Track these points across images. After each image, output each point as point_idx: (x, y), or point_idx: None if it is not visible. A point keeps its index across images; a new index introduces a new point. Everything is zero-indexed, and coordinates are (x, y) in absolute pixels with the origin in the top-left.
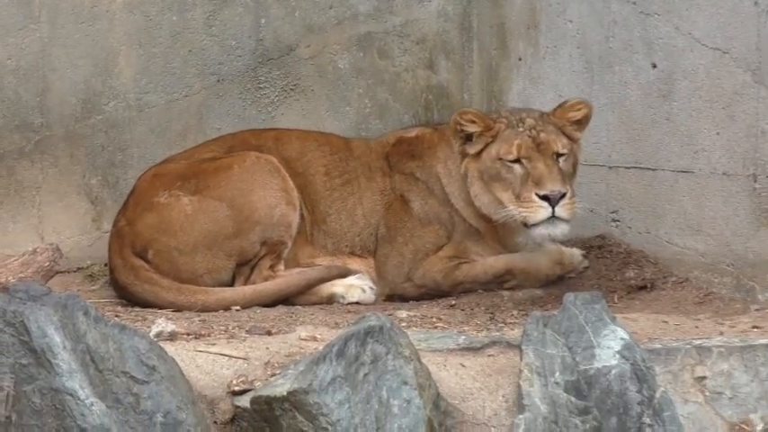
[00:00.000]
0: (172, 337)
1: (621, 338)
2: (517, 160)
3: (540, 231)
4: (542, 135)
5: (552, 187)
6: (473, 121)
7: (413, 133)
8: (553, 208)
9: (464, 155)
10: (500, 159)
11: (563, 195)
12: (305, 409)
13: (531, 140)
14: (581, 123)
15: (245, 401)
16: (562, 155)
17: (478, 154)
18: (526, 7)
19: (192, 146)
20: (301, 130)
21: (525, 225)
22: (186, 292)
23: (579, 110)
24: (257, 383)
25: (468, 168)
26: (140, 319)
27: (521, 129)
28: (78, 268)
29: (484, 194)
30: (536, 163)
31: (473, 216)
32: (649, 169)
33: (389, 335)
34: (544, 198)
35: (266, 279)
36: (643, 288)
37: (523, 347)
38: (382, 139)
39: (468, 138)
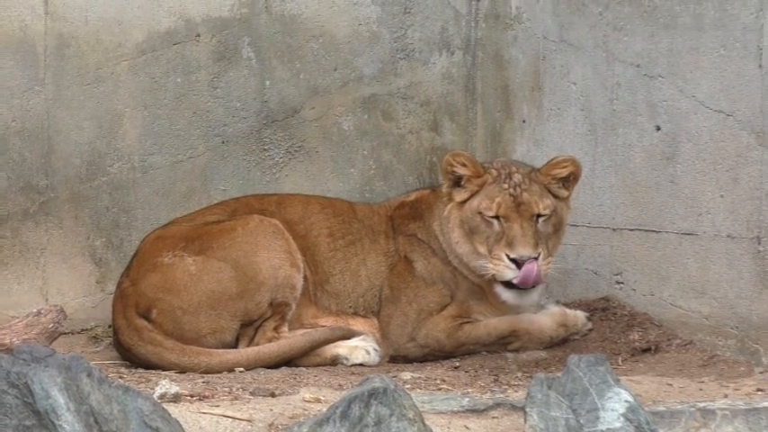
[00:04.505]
0: (176, 398)
1: (626, 401)
2: (496, 217)
3: (509, 297)
4: (525, 195)
5: (522, 252)
6: (464, 165)
7: (412, 197)
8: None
9: (450, 199)
10: (480, 213)
11: (534, 260)
12: None
13: (512, 200)
14: (568, 181)
15: None
16: (543, 216)
17: (462, 203)
18: (530, 69)
19: (196, 207)
20: (304, 194)
21: (495, 280)
22: (190, 353)
23: (565, 167)
24: None
25: (450, 214)
26: (144, 380)
27: (505, 185)
28: (82, 330)
29: (464, 243)
30: (512, 224)
31: (471, 272)
32: (653, 231)
33: (393, 396)
34: (513, 261)
35: (270, 340)
36: (647, 350)
37: (527, 409)
38: (385, 203)
39: (458, 181)
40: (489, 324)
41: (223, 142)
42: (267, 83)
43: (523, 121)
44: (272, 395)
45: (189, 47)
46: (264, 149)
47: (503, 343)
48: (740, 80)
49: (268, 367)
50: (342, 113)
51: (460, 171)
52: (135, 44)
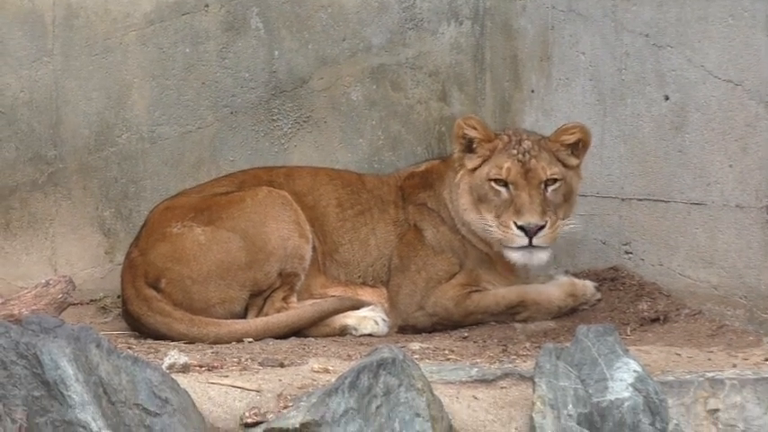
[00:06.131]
0: (184, 369)
1: (634, 371)
2: (505, 184)
3: (517, 257)
4: (533, 162)
5: (530, 219)
6: (475, 128)
7: (422, 167)
8: (530, 238)
9: (461, 165)
10: (489, 180)
11: (541, 227)
12: None
13: (521, 165)
14: (577, 148)
15: None
16: (551, 183)
17: (474, 170)
18: (539, 39)
19: (205, 178)
20: (312, 166)
21: (503, 246)
22: (198, 323)
23: (572, 134)
24: (270, 415)
25: (461, 180)
26: (153, 351)
27: (514, 151)
28: (91, 300)
29: (471, 210)
30: (520, 191)
31: (480, 241)
32: (662, 201)
33: (402, 367)
34: (521, 228)
35: (279, 311)
36: (656, 320)
37: (536, 379)
38: (395, 173)
39: (469, 145)
40: (498, 293)
41: (232, 113)
42: (276, 53)
43: (532, 91)
44: (281, 365)
45: (198, 17)
46: (273, 120)
47: (511, 313)
48: (748, 49)
49: (277, 338)
50: (350, 84)
51: (471, 134)
52: (143, 14)
